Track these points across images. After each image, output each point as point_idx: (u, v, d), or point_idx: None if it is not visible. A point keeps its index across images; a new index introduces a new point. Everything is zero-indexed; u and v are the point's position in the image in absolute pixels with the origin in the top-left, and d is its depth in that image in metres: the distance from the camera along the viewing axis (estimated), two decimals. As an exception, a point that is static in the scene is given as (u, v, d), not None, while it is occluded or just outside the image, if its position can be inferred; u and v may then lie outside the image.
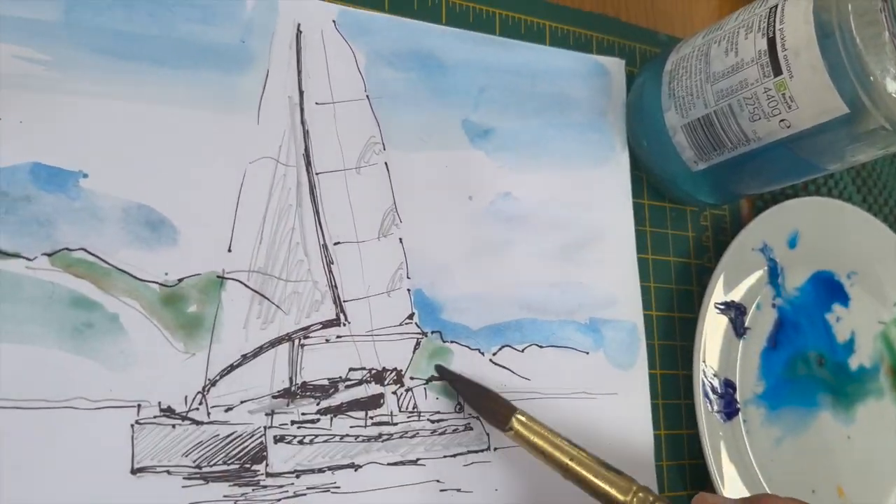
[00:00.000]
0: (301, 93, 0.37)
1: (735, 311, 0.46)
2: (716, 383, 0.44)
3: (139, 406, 0.31)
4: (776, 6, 0.37)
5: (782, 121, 0.37)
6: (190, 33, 0.35)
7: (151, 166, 0.34)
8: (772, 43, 0.36)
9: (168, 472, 0.31)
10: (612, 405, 0.42)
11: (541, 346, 0.40)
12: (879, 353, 0.53)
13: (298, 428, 0.34)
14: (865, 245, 0.52)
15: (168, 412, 0.32)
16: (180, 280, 0.33)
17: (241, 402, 0.33)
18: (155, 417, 0.32)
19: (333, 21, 0.39)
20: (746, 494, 0.43)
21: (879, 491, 0.50)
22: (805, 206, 0.49)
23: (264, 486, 0.33)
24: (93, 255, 0.32)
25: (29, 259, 0.31)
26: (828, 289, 0.51)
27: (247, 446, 0.33)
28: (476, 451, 0.38)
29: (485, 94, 0.42)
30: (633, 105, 0.46)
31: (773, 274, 0.48)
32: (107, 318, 0.31)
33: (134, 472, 0.31)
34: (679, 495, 0.43)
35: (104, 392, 0.31)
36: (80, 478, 0.30)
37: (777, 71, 0.36)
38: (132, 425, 0.31)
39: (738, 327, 0.46)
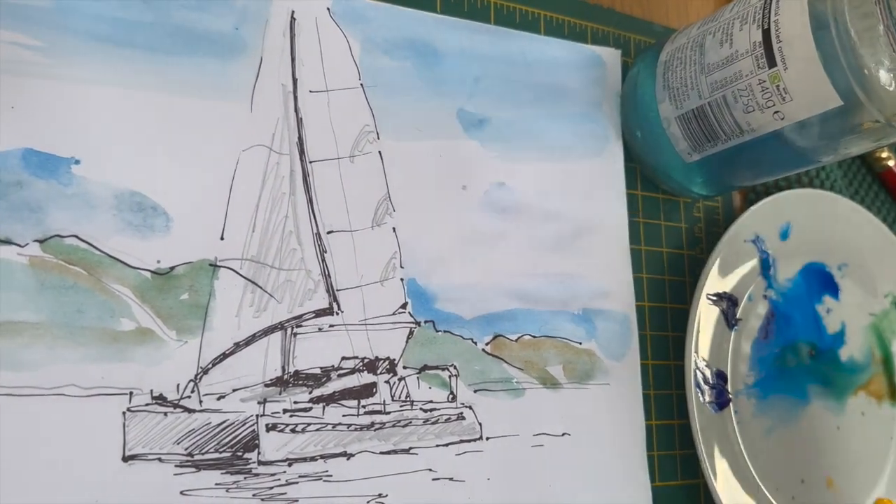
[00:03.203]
0: (295, 80, 0.37)
1: (727, 303, 0.46)
2: (707, 374, 0.44)
3: (131, 394, 0.31)
4: (771, -3, 0.37)
5: (776, 112, 0.37)
6: (184, 20, 0.35)
7: (144, 153, 0.33)
8: (766, 34, 0.36)
9: (160, 460, 0.31)
10: (605, 395, 0.42)
11: (534, 336, 0.41)
12: (869, 345, 0.53)
13: (291, 416, 0.34)
14: (856, 237, 0.53)
15: (160, 400, 0.32)
16: (173, 268, 0.33)
17: (234, 391, 0.33)
18: (147, 405, 0.32)
19: (328, 8, 0.39)
20: (737, 484, 0.44)
21: (868, 481, 0.51)
22: (797, 198, 0.49)
23: (256, 474, 0.33)
24: (85, 241, 0.32)
25: (20, 245, 0.31)
26: (819, 280, 0.52)
27: (239, 434, 0.33)
28: (468, 441, 0.38)
29: (480, 84, 0.42)
30: (628, 96, 0.46)
31: (765, 265, 0.48)
32: (98, 305, 0.31)
33: (125, 459, 0.31)
34: (670, 485, 0.44)
35: (96, 379, 0.31)
36: (71, 465, 0.30)
37: (771, 62, 0.36)
38: (124, 413, 0.31)
39: (730, 318, 0.46)
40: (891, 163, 0.58)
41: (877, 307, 0.54)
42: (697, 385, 0.43)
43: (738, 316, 0.47)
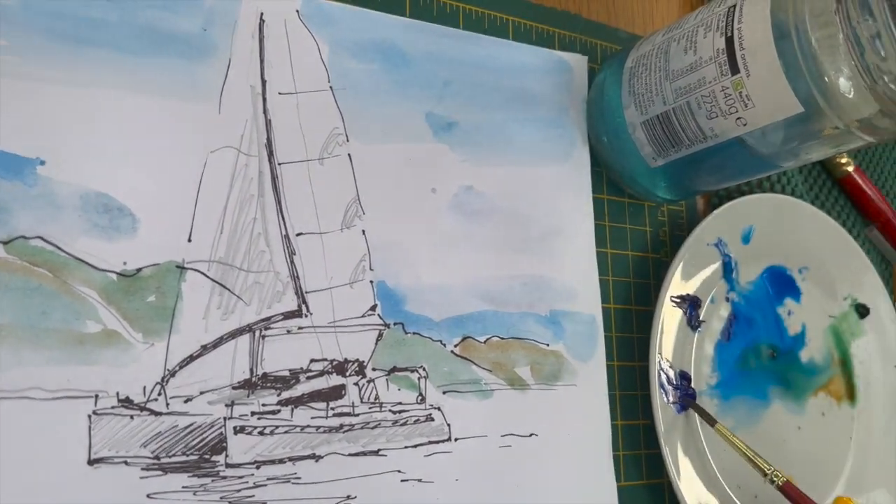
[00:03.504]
0: (263, 82, 0.37)
1: (690, 305, 0.47)
2: (671, 375, 0.45)
3: (97, 396, 0.31)
4: (735, 6, 0.37)
5: (738, 118, 0.38)
6: (151, 20, 0.35)
7: (110, 154, 0.33)
8: (730, 42, 0.37)
9: (126, 463, 0.31)
10: (572, 396, 0.42)
11: (502, 338, 0.41)
12: (829, 347, 0.54)
13: (259, 419, 0.34)
14: (817, 241, 0.54)
15: (126, 403, 0.32)
16: (139, 269, 0.33)
17: (201, 393, 0.33)
18: (113, 408, 0.31)
19: (297, 11, 0.39)
20: (701, 483, 0.44)
21: (828, 480, 0.52)
22: (759, 202, 0.50)
23: (224, 477, 0.33)
24: (50, 243, 0.31)
25: (-17, 247, 0.30)
26: (780, 283, 0.53)
27: (206, 437, 0.33)
28: (437, 442, 0.38)
29: (449, 88, 0.42)
30: (594, 101, 0.46)
31: (728, 268, 0.49)
32: (64, 307, 0.31)
33: (91, 462, 0.30)
34: (636, 484, 0.44)
35: (61, 382, 0.30)
36: (36, 468, 0.29)
37: (734, 70, 0.37)
38: (89, 416, 0.31)
39: (693, 320, 0.47)
40: (850, 168, 0.59)
41: (836, 310, 0.55)
42: (661, 386, 0.44)
43: (701, 318, 0.47)
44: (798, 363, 0.52)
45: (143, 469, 0.31)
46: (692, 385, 0.46)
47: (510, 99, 0.44)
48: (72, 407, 0.31)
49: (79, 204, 0.32)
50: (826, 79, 0.34)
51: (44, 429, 0.30)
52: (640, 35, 0.51)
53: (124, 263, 0.33)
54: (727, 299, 0.49)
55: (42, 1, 0.33)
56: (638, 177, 0.45)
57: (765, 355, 0.51)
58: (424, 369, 0.38)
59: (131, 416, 0.32)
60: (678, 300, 0.46)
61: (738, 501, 0.46)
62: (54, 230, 0.31)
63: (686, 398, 0.45)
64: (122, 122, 0.34)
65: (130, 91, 0.34)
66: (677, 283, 0.46)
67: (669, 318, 0.46)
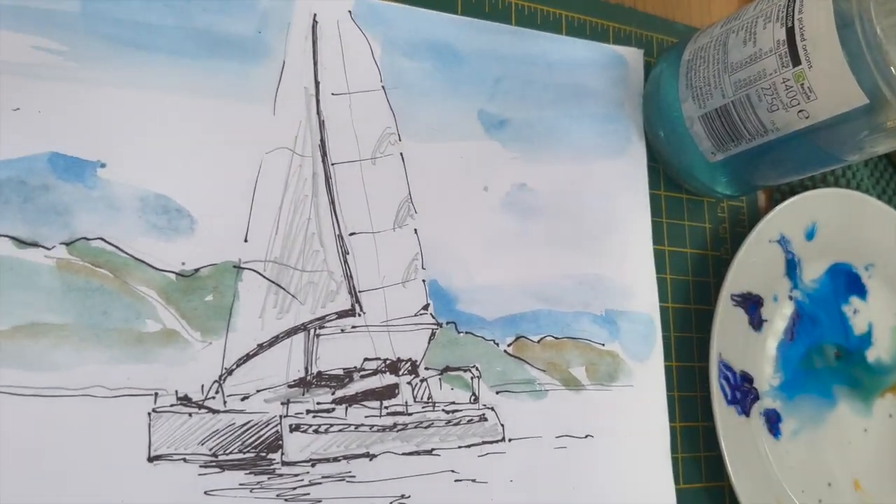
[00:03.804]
0: (317, 83, 0.37)
1: (751, 304, 0.46)
2: (732, 376, 0.44)
3: (156, 394, 0.32)
4: (796, -5, 0.36)
5: (801, 111, 0.37)
6: (206, 24, 0.35)
7: (168, 156, 0.34)
8: (790, 33, 0.36)
9: (184, 460, 0.32)
10: (629, 397, 0.42)
11: (556, 338, 0.40)
12: (897, 347, 0.52)
13: (314, 417, 0.35)
14: (883, 237, 0.52)
15: (185, 401, 0.32)
16: (197, 269, 0.33)
17: (257, 391, 0.34)
18: (171, 406, 0.32)
19: (349, 11, 0.39)
20: (762, 487, 0.43)
21: (895, 483, 0.50)
22: (823, 197, 0.49)
23: (280, 475, 0.33)
24: (110, 244, 0.32)
25: (47, 248, 0.31)
26: (845, 281, 0.51)
27: (262, 435, 0.33)
28: (491, 442, 0.38)
29: (500, 85, 0.42)
30: (650, 95, 0.45)
31: (791, 266, 0.48)
32: (124, 306, 0.32)
33: (151, 459, 0.31)
34: (695, 487, 0.43)
35: (121, 380, 0.31)
36: (97, 466, 0.30)
37: (796, 61, 0.36)
38: (149, 413, 0.31)
39: (755, 319, 0.46)
40: (919, 161, 0.57)
41: (905, 308, 0.53)
42: (722, 387, 0.43)
43: (763, 317, 0.46)
44: (864, 363, 0.51)
45: (201, 466, 0.32)
46: (754, 386, 0.45)
47: (564, 95, 0.44)
48: (132, 405, 0.31)
49: (138, 205, 0.33)
50: (893, 69, 0.33)
51: (105, 426, 0.31)
52: (696, 27, 0.50)
53: (183, 264, 0.33)
54: (790, 298, 0.48)
55: (102, 7, 0.34)
56: (696, 172, 0.44)
57: (830, 355, 0.49)
58: (477, 369, 0.38)
59: (189, 414, 0.32)
60: (739, 299, 0.45)
61: (801, 506, 0.45)
62: (115, 231, 0.32)
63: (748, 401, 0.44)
64: (180, 125, 0.34)
65: (187, 94, 0.35)
66: (738, 282, 0.45)
67: (730, 317, 0.44)
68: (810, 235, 0.49)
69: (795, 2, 0.36)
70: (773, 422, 0.45)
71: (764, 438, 0.44)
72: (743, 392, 0.44)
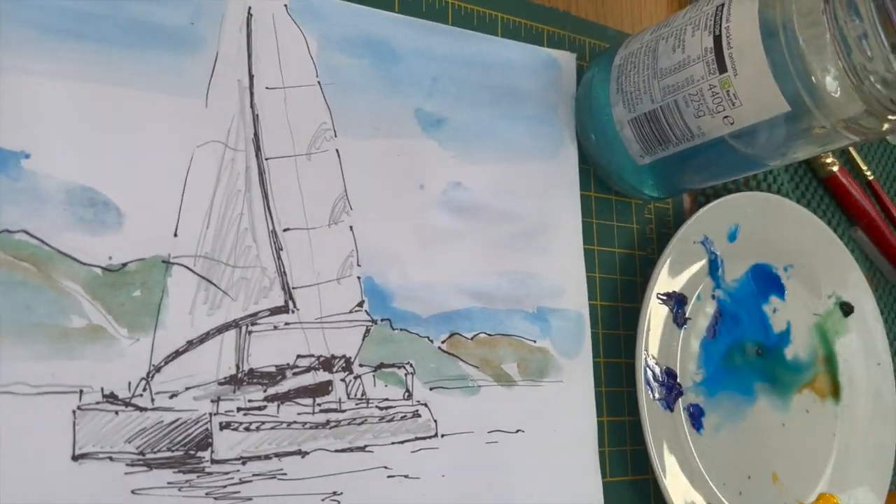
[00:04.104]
0: (251, 77, 0.37)
1: (676, 302, 0.47)
2: (657, 371, 0.45)
3: (81, 392, 0.31)
4: (723, 4, 0.37)
5: (726, 117, 0.38)
6: (137, 13, 0.35)
7: (96, 148, 0.33)
8: (718, 41, 0.37)
9: (110, 459, 0.31)
10: (558, 392, 0.42)
11: (489, 334, 0.41)
12: (814, 344, 0.55)
13: (245, 415, 0.34)
14: (802, 239, 0.54)
15: (111, 398, 0.31)
16: (125, 264, 0.33)
17: (187, 389, 0.33)
18: (97, 403, 0.31)
19: (285, 5, 0.38)
20: (686, 480, 0.45)
21: (812, 476, 0.52)
22: (745, 200, 0.50)
23: (209, 473, 0.33)
24: (34, 237, 0.31)
25: (-34, 240, 0.30)
26: (766, 281, 0.53)
27: (191, 433, 0.33)
28: (424, 438, 0.38)
29: (437, 84, 0.42)
30: (582, 99, 0.46)
31: (714, 266, 0.49)
32: (48, 301, 0.31)
33: (75, 458, 0.30)
34: (621, 480, 0.44)
35: (45, 377, 0.30)
36: (19, 464, 0.29)
37: (722, 68, 0.37)
38: (74, 411, 0.31)
39: (679, 317, 0.47)
40: (835, 168, 0.60)
41: (821, 307, 0.55)
42: (647, 382, 0.44)
43: (687, 315, 0.48)
44: (783, 360, 0.53)
45: (127, 465, 0.31)
46: (678, 381, 0.46)
47: (499, 95, 0.44)
48: (56, 402, 0.30)
49: (64, 198, 0.32)
50: (813, 78, 0.35)
51: (28, 424, 0.30)
52: (628, 33, 0.51)
53: (109, 258, 0.32)
54: (713, 297, 0.49)
55: (27, -8, 0.32)
56: (625, 174, 0.46)
57: (750, 352, 0.51)
58: (411, 365, 0.38)
59: (116, 412, 0.31)
60: (664, 297, 0.46)
61: (722, 498, 0.46)
62: (39, 224, 0.31)
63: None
64: (108, 116, 0.33)
65: (117, 84, 0.34)
66: (664, 281, 0.46)
67: (656, 315, 0.46)
68: (733, 237, 0.50)
69: (723, 11, 0.37)
70: (695, 416, 0.47)
71: (687, 432, 0.46)
72: (667, 387, 0.45)
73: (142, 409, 0.32)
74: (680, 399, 0.46)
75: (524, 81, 0.45)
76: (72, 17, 0.33)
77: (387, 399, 0.37)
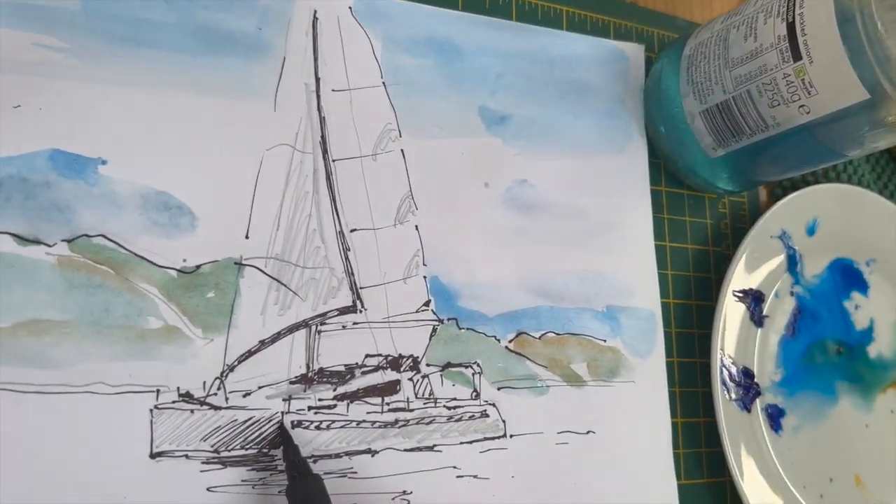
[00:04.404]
0: (317, 80, 0.37)
1: (753, 299, 0.46)
2: (733, 371, 0.44)
3: (158, 391, 0.32)
4: (797, -10, 0.36)
5: (802, 106, 0.37)
6: (207, 21, 0.35)
7: (169, 153, 0.34)
8: (791, 28, 0.36)
9: (186, 457, 0.32)
10: (630, 393, 0.42)
11: (557, 334, 0.40)
12: (899, 342, 0.52)
13: (315, 413, 0.35)
14: (885, 232, 0.52)
15: (186, 397, 0.32)
16: (198, 266, 0.33)
17: (259, 388, 0.34)
18: (173, 402, 0.32)
19: (350, 7, 0.39)
20: (764, 483, 0.43)
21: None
22: (824, 193, 0.49)
23: (282, 471, 0.33)
24: (112, 241, 0.32)
25: (49, 245, 0.31)
26: (847, 276, 0.51)
27: (264, 431, 0.33)
28: (492, 438, 0.38)
29: (501, 81, 0.42)
30: (651, 91, 0.45)
31: (792, 261, 0.48)
32: (125, 303, 0.32)
33: (153, 456, 0.31)
34: (696, 483, 0.43)
35: (123, 377, 0.31)
36: (99, 462, 0.30)
37: (796, 56, 0.36)
38: (151, 410, 0.31)
39: (756, 315, 0.46)
40: (920, 157, 0.57)
41: (906, 303, 0.53)
42: (723, 382, 0.43)
43: (764, 313, 0.46)
44: (866, 359, 0.51)
45: (203, 463, 0.32)
46: (756, 381, 0.45)
47: (564, 91, 0.43)
48: (134, 401, 0.31)
49: (139, 202, 0.33)
50: (893, 64, 0.33)
51: (107, 423, 0.31)
52: (697, 23, 0.50)
53: (184, 260, 0.33)
54: (792, 293, 0.48)
55: (102, 4, 0.34)
56: (697, 168, 0.44)
57: (831, 351, 0.49)
58: (479, 365, 0.38)
59: (191, 411, 0.32)
60: (741, 295, 0.45)
61: (803, 502, 0.44)
62: (116, 228, 0.32)
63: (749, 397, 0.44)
64: (181, 122, 0.34)
65: (188, 91, 0.35)
66: (740, 277, 0.45)
67: (731, 313, 0.44)
68: (811, 231, 0.49)
69: (796, -3, 0.36)
70: (774, 417, 0.45)
71: (765, 434, 0.44)
72: (744, 388, 0.44)
73: (216, 408, 0.33)
74: (758, 399, 0.45)
75: (590, 75, 0.45)
76: (145, 27, 0.34)
77: (454, 399, 0.37)
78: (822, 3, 0.35)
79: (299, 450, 0.33)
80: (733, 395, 0.43)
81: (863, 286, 0.52)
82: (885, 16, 0.33)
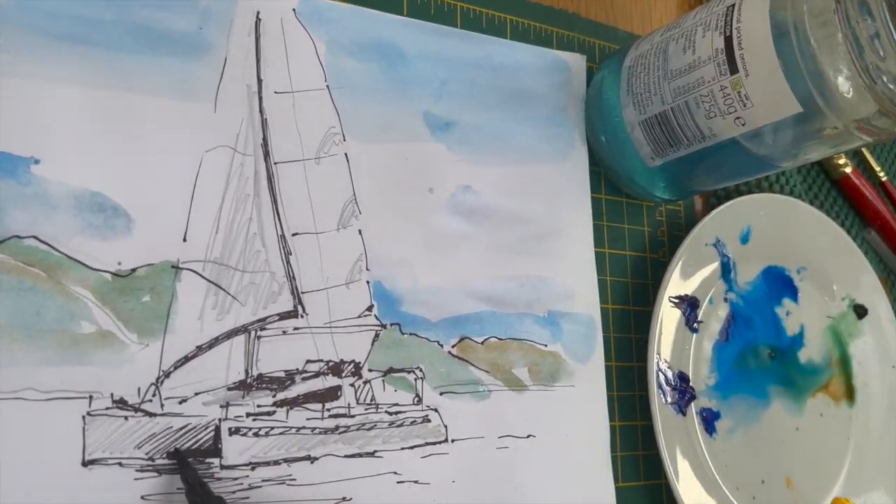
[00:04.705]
0: (259, 81, 0.37)
1: (688, 305, 0.47)
2: (669, 375, 0.45)
3: (91, 397, 0.31)
4: (734, 5, 0.37)
5: (737, 118, 0.38)
6: (146, 19, 0.35)
7: (105, 153, 0.33)
8: (728, 41, 0.37)
9: (120, 465, 0.31)
10: (570, 397, 0.42)
11: (500, 339, 0.41)
12: (827, 347, 0.54)
13: (254, 420, 0.34)
14: (815, 241, 0.54)
15: (121, 404, 0.31)
16: (134, 269, 0.33)
17: (196, 394, 0.33)
18: (107, 409, 0.31)
19: (294, 9, 0.38)
20: (699, 484, 0.44)
21: (826, 481, 0.52)
22: (758, 202, 0.50)
23: (219, 479, 0.33)
24: (44, 242, 0.31)
25: (-24, 246, 0.30)
26: (778, 283, 0.52)
27: (201, 438, 0.33)
28: (434, 443, 0.38)
29: (446, 87, 0.42)
30: (593, 101, 0.46)
31: (726, 269, 0.49)
32: (58, 307, 0.31)
33: (85, 464, 0.30)
34: (633, 485, 0.44)
35: (55, 383, 0.30)
36: (30, 470, 0.29)
37: (733, 69, 0.37)
38: (83, 417, 0.31)
39: (692, 321, 0.47)
40: (848, 169, 0.59)
41: (834, 310, 0.55)
42: (660, 386, 0.44)
43: (699, 318, 0.47)
44: (797, 363, 0.52)
45: (137, 470, 0.31)
46: (691, 385, 0.46)
47: (508, 98, 0.44)
48: (66, 408, 0.30)
49: (73, 203, 0.32)
50: (825, 78, 0.34)
51: (38, 430, 0.30)
52: (638, 34, 0.51)
53: (119, 263, 0.32)
54: (725, 300, 0.49)
55: (38, 0, 0.32)
56: (636, 176, 0.45)
57: (763, 356, 0.51)
58: (421, 370, 0.38)
59: (126, 417, 0.31)
60: (676, 300, 0.46)
61: (735, 503, 0.46)
62: (49, 229, 0.31)
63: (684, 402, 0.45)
64: (117, 121, 0.33)
65: (126, 90, 0.34)
66: (676, 284, 0.46)
67: (668, 318, 0.45)
68: (745, 239, 0.50)
69: (734, 11, 0.37)
70: (708, 420, 0.46)
71: (700, 437, 0.45)
72: (680, 391, 0.45)
73: (151, 415, 0.32)
74: (693, 403, 0.46)
75: (533, 84, 0.45)
76: (81, 23, 0.33)
77: (396, 404, 0.37)
78: (758, 19, 0.36)
79: (198, 473, 0.32)
80: (669, 399, 0.44)
81: (793, 293, 0.53)
82: (818, 32, 0.34)
